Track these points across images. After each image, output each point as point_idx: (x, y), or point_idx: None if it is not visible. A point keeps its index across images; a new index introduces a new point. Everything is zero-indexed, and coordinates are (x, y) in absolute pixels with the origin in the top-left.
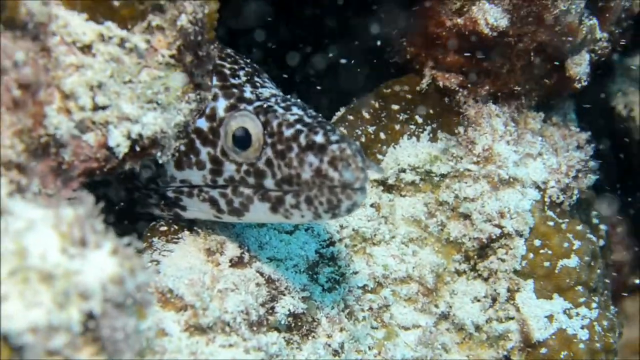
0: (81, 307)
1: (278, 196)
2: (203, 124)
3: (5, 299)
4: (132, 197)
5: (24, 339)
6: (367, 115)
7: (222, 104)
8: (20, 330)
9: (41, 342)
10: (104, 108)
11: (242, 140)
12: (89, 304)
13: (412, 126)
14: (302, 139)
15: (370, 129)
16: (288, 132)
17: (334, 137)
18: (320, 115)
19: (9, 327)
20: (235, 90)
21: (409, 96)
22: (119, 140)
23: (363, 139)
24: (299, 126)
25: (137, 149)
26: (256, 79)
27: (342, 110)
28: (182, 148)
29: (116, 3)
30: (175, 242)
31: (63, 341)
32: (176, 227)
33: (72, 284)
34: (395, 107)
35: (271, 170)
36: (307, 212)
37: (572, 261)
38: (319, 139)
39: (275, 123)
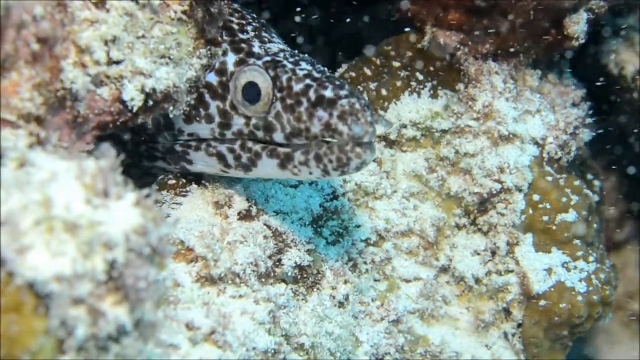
0: (105, 257)
1: (287, 153)
2: (213, 78)
3: (30, 249)
4: (139, 150)
5: (49, 288)
6: (368, 72)
7: (231, 59)
8: (45, 278)
9: (66, 291)
10: (117, 62)
11: (252, 94)
12: (112, 253)
13: (413, 83)
14: (312, 94)
15: (372, 86)
16: (297, 87)
17: (343, 92)
18: (328, 70)
19: (35, 276)
20: (244, 45)
21: (410, 53)
22: (132, 94)
23: (365, 96)
24: (308, 81)
25: (150, 103)
26: (264, 34)
27: (344, 67)
28: (192, 102)
29: None
30: (184, 195)
31: (87, 289)
32: (184, 181)
33: (96, 234)
34: (396, 64)
35: (280, 124)
36: (315, 170)
37: (570, 215)
38: (328, 93)
39: (284, 78)
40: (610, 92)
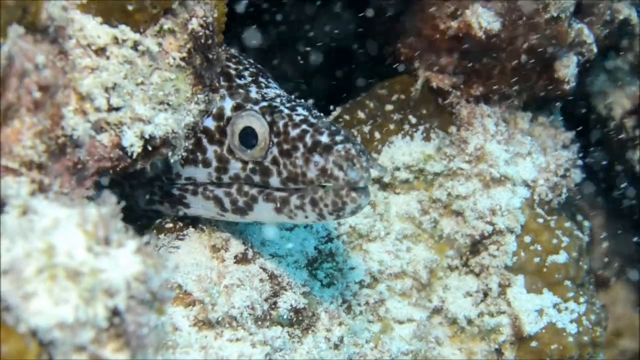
0: (107, 303)
1: (283, 197)
2: (210, 123)
3: (34, 296)
4: (136, 194)
5: (52, 335)
6: (362, 115)
7: (229, 104)
8: (48, 326)
9: (69, 338)
10: (117, 109)
11: (249, 139)
12: (114, 300)
13: (406, 126)
14: (308, 139)
15: (366, 129)
16: (294, 132)
17: (338, 138)
18: (324, 116)
19: (38, 323)
20: (241, 91)
21: (403, 97)
22: (132, 140)
23: (359, 139)
24: (304, 126)
25: (149, 148)
26: (261, 79)
27: (338, 110)
28: (190, 147)
29: (130, 7)
30: (182, 239)
31: (89, 337)
32: (181, 224)
33: (98, 281)
34: (389, 107)
35: (277, 169)
36: (311, 214)
37: (561, 257)
38: (324, 139)
39: (281, 123)
40: (600, 132)
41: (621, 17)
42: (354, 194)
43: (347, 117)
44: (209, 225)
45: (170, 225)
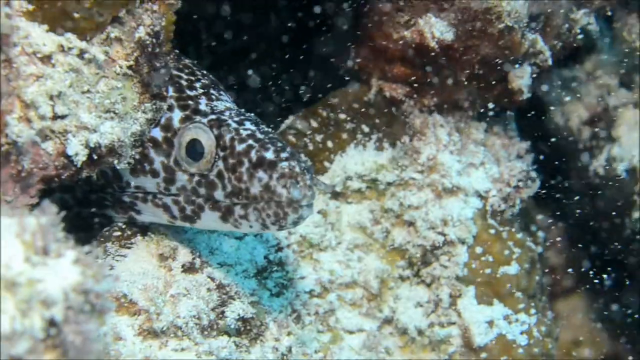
0: (43, 314)
1: (227, 206)
2: (158, 133)
3: None
4: (89, 198)
5: None
6: (315, 124)
7: (177, 115)
8: None
9: (5, 348)
10: (63, 117)
11: (195, 151)
12: (51, 311)
13: (359, 135)
14: (253, 155)
15: (318, 137)
16: (240, 147)
17: (284, 155)
18: (272, 131)
19: None
20: (190, 102)
21: (356, 105)
22: (77, 149)
23: (311, 147)
24: (250, 141)
25: (95, 157)
26: (212, 91)
27: (291, 118)
28: (137, 156)
29: (76, 15)
30: (129, 247)
31: (26, 347)
32: (129, 233)
33: (35, 292)
34: (342, 116)
35: (222, 183)
36: (255, 223)
37: (512, 268)
38: (270, 155)
39: (228, 137)
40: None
41: (578, 27)
42: (295, 204)
43: (299, 125)
44: (158, 234)
45: (118, 233)
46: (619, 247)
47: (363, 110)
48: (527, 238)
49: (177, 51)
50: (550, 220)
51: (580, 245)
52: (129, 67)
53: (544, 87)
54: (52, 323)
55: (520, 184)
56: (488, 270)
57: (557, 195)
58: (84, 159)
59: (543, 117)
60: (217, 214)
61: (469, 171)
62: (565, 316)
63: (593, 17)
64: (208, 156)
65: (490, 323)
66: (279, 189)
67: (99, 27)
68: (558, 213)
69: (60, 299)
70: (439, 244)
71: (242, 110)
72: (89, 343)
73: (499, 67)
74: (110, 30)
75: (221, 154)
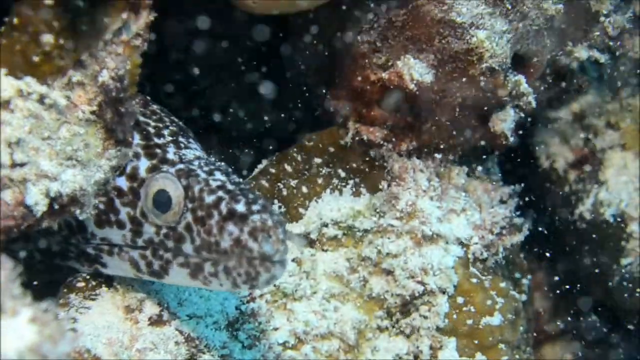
0: None
1: (197, 263)
2: (123, 183)
3: None
4: (51, 249)
5: None
6: (289, 169)
7: (144, 164)
8: None
9: None
10: (22, 165)
11: (162, 203)
12: None
13: (335, 180)
14: (223, 207)
15: (293, 183)
16: (209, 199)
17: (255, 207)
18: (243, 182)
19: None
20: (158, 151)
21: (332, 149)
22: (37, 199)
23: (285, 193)
24: (220, 193)
25: (56, 206)
26: (181, 139)
27: (265, 162)
28: (102, 207)
29: (36, 58)
30: (93, 299)
31: None
32: (94, 284)
33: None
34: (318, 160)
35: (190, 236)
36: (225, 282)
37: (495, 319)
38: (240, 208)
39: (197, 188)
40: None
41: (568, 65)
42: (268, 264)
43: (273, 170)
44: (124, 285)
45: (82, 284)
46: (607, 293)
47: (339, 154)
48: (511, 287)
49: (145, 96)
50: (535, 265)
51: (566, 290)
52: (92, 113)
53: (530, 128)
54: None
55: (504, 230)
56: (470, 321)
57: (543, 240)
58: (45, 208)
59: (529, 160)
60: (185, 271)
61: (449, 218)
62: None
63: (595, 50)
64: (176, 208)
65: None
66: (250, 243)
67: (59, 71)
68: (544, 257)
69: None
70: (419, 293)
71: (212, 159)
72: None
73: (481, 110)
74: (72, 74)
75: (190, 205)
